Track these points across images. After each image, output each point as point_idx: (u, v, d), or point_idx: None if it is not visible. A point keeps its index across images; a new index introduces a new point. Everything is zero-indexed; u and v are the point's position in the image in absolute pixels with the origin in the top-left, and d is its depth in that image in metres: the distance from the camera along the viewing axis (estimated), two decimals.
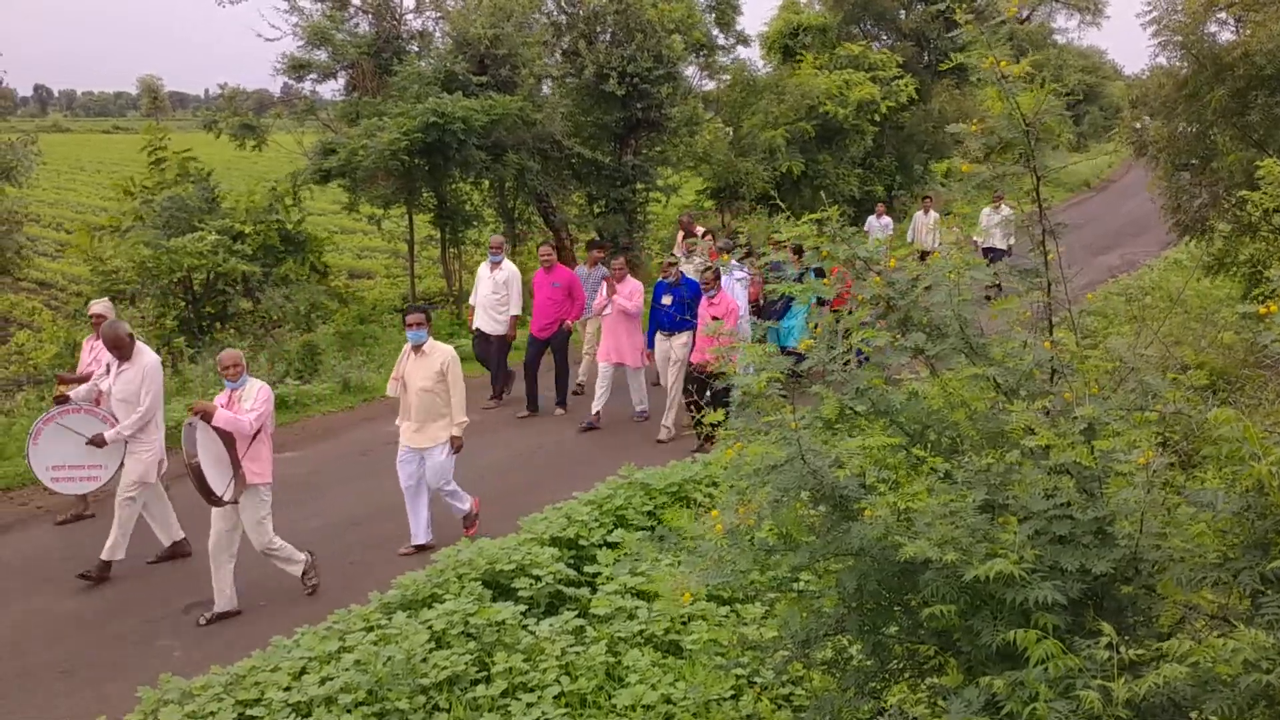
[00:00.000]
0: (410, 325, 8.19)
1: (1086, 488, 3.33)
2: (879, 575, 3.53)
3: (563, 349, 12.06)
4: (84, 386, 8.41)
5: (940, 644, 3.58)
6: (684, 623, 6.13)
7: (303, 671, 5.70)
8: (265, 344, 13.95)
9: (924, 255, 12.48)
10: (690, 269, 12.25)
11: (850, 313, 4.00)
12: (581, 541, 7.44)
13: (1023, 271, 3.85)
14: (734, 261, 11.16)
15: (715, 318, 9.96)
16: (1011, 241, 15.86)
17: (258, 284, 15.10)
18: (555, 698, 5.40)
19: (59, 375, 9.42)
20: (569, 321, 11.96)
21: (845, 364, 3.96)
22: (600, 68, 17.88)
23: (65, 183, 37.95)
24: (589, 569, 7.11)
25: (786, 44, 26.54)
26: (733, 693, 5.37)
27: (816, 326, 4.14)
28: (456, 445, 8.23)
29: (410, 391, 8.16)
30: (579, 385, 12.80)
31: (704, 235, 14.38)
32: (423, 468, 8.20)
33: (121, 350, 7.89)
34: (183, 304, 14.86)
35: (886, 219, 19.59)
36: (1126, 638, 2.97)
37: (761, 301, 12.23)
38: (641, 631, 6.03)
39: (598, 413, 11.51)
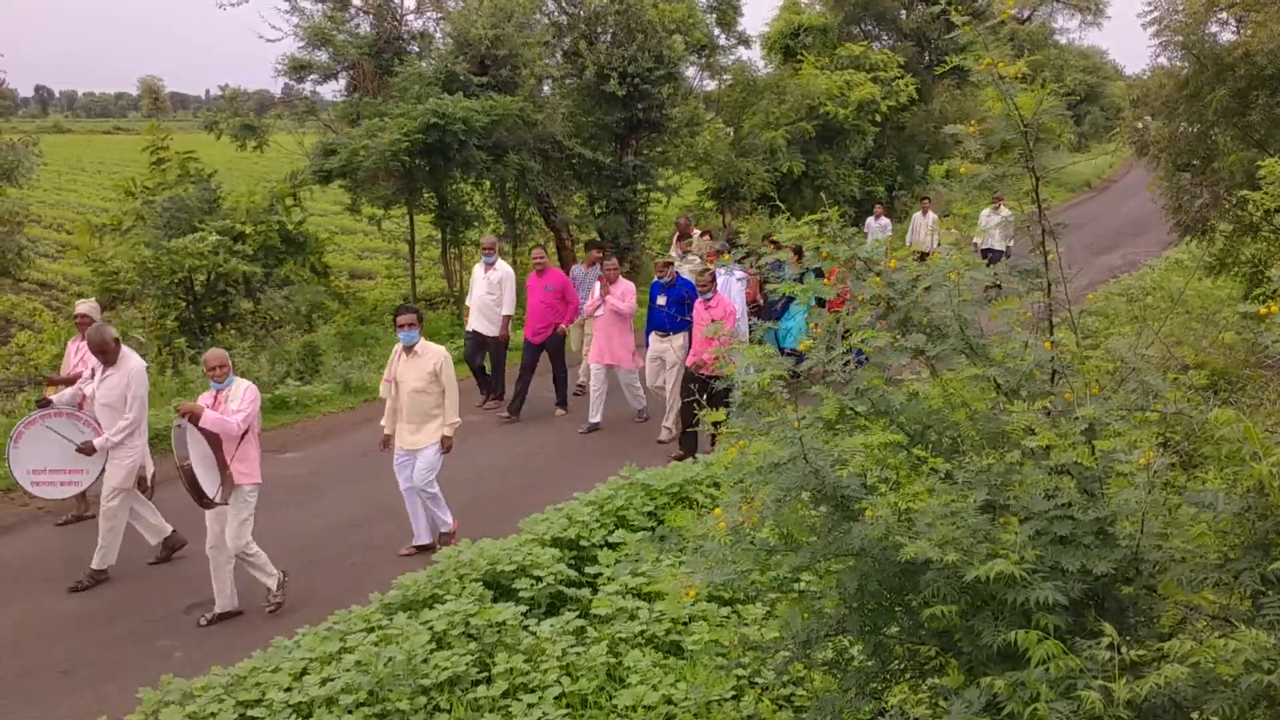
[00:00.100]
0: (402, 326, 8.12)
1: (1087, 488, 3.33)
2: (880, 576, 3.53)
3: (558, 352, 12.00)
4: (68, 390, 8.30)
5: (941, 644, 3.57)
6: (685, 623, 6.13)
7: (304, 672, 5.70)
8: (266, 344, 13.95)
9: (923, 256, 12.49)
10: (686, 270, 12.23)
11: (850, 314, 4.00)
12: (582, 542, 7.44)
13: (1023, 272, 3.84)
14: (734, 262, 11.08)
15: (714, 320, 9.91)
16: (1010, 243, 15.85)
17: (258, 284, 15.11)
18: (556, 698, 5.40)
19: (47, 378, 9.33)
20: (563, 325, 11.89)
21: (845, 365, 3.96)
22: (601, 68, 17.88)
23: (66, 183, 37.97)
24: (590, 570, 7.11)
25: (787, 44, 26.54)
26: (734, 693, 5.37)
27: (817, 327, 4.13)
28: (447, 445, 8.19)
29: (403, 393, 8.11)
30: (579, 386, 12.77)
31: (701, 235, 14.38)
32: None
33: (107, 355, 7.82)
34: (183, 304, 14.86)
35: (884, 220, 19.58)
36: (1127, 638, 2.97)
37: (761, 302, 12.22)
38: (642, 632, 6.03)
39: (596, 422, 11.49)
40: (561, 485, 9.12)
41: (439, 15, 18.60)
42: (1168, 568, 3.15)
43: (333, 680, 5.49)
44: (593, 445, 11.00)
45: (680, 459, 9.67)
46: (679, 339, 10.85)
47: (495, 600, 6.43)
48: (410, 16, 18.71)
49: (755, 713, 5.19)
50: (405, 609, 6.40)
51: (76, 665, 6.73)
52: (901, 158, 27.63)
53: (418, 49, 18.29)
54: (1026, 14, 30.58)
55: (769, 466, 3.60)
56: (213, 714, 5.36)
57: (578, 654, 5.74)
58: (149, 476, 8.48)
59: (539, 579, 6.66)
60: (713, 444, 9.76)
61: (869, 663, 3.80)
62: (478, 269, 12.23)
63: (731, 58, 22.33)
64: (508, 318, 11.93)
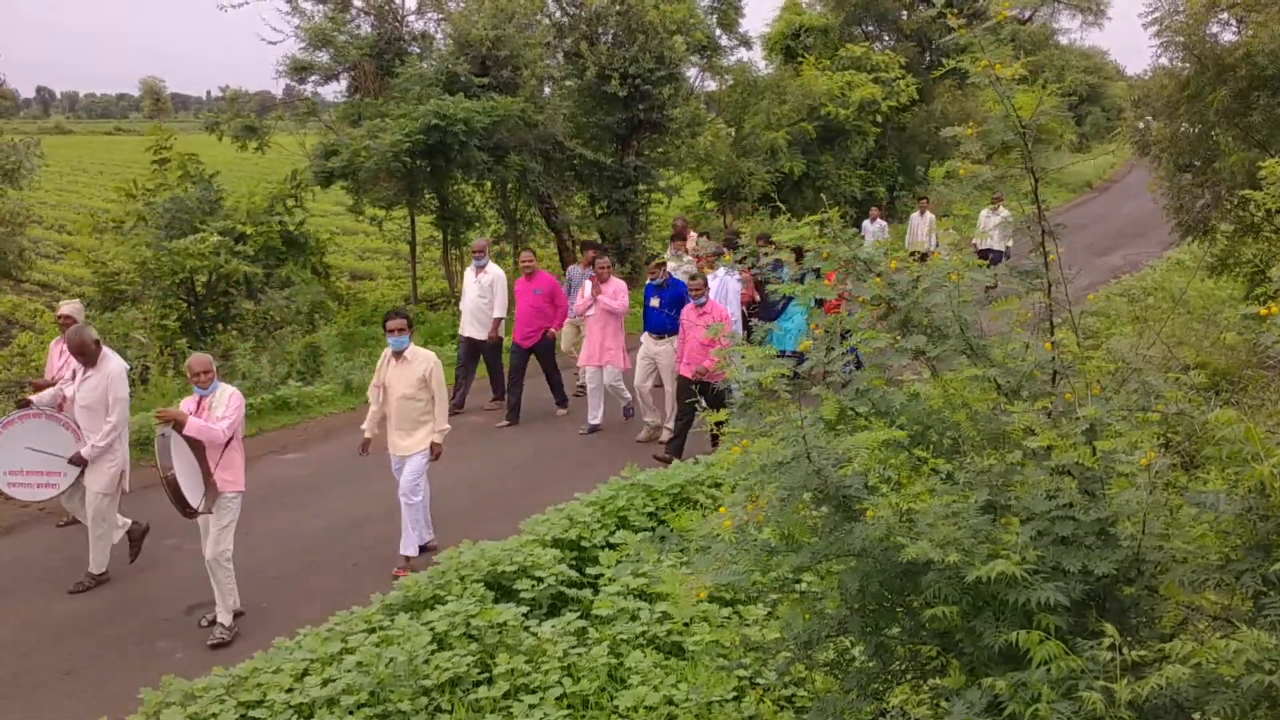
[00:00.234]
0: (391, 331, 7.99)
1: (1088, 489, 3.32)
2: (881, 576, 3.53)
3: (547, 355, 11.90)
4: (49, 391, 8.21)
5: (942, 645, 3.57)
6: (686, 624, 6.13)
7: (305, 673, 5.71)
8: (267, 345, 13.95)
9: (923, 257, 12.49)
10: (678, 270, 12.16)
11: (848, 315, 4.00)
12: (583, 543, 7.44)
13: (1023, 273, 3.84)
14: (735, 262, 11.01)
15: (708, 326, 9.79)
16: (1009, 243, 15.85)
17: (259, 285, 15.11)
18: (557, 699, 5.41)
19: (33, 382, 9.11)
20: (552, 330, 11.79)
21: (846, 365, 3.96)
22: (602, 69, 17.89)
23: (67, 184, 37.96)
24: (591, 570, 7.11)
25: (788, 45, 26.55)
26: (735, 694, 5.37)
27: (817, 327, 4.13)
28: (436, 453, 8.05)
29: (391, 399, 8.02)
30: (580, 386, 12.72)
31: (700, 237, 14.33)
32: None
33: (86, 356, 7.72)
34: (185, 305, 14.86)
35: (881, 222, 19.50)
36: (1129, 639, 2.96)
37: (757, 301, 12.15)
38: (644, 633, 6.03)
39: (597, 423, 11.47)
40: (562, 486, 9.12)
41: (440, 16, 18.62)
42: (1169, 568, 3.15)
43: (334, 681, 5.49)
44: (593, 446, 11.01)
45: (665, 462, 9.60)
46: (674, 341, 10.71)
47: (496, 601, 6.43)
48: (411, 17, 18.76)
49: (756, 713, 5.19)
50: (406, 610, 6.40)
51: (77, 666, 6.73)
52: (903, 158, 27.64)
53: (419, 50, 18.30)
54: (1027, 15, 30.59)
55: (773, 465, 3.60)
56: (214, 715, 5.36)
57: (579, 655, 5.74)
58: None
59: (540, 580, 6.66)
60: (714, 444, 9.75)
61: (870, 663, 3.79)
62: (469, 273, 12.14)
63: (732, 58, 22.36)
64: (498, 320, 11.82)
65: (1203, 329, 12.53)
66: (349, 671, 5.54)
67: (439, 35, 18.69)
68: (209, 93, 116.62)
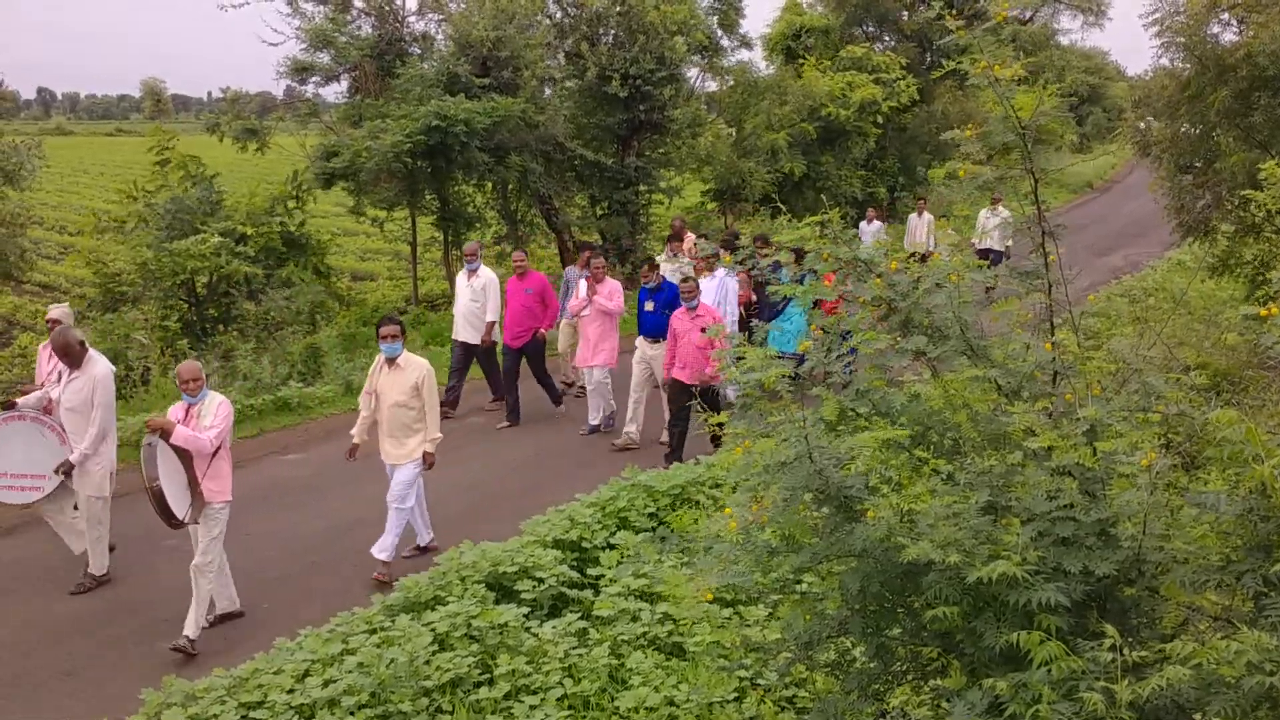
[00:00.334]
0: (384, 338, 7.84)
1: (1089, 489, 3.32)
2: (882, 577, 3.53)
3: (536, 356, 11.80)
4: (34, 394, 8.06)
5: (943, 646, 3.57)
6: (687, 625, 6.13)
7: (306, 674, 5.70)
8: (268, 346, 13.97)
9: (923, 258, 12.46)
10: (672, 271, 12.10)
11: (846, 316, 4.00)
12: (584, 544, 7.44)
13: (1023, 273, 3.84)
14: (736, 263, 10.95)
15: (704, 329, 9.72)
16: (1009, 243, 15.83)
17: (259, 286, 15.12)
18: (558, 700, 5.41)
19: (23, 387, 8.99)
20: (542, 330, 11.70)
21: (846, 367, 3.96)
22: (603, 70, 17.89)
23: (69, 185, 38.00)
24: (592, 571, 7.11)
25: (789, 46, 26.57)
26: (736, 695, 5.37)
27: (818, 328, 4.13)
28: (429, 462, 7.93)
29: (383, 406, 7.90)
30: (580, 387, 12.67)
31: (699, 238, 14.29)
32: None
33: (71, 358, 7.63)
34: (186, 306, 14.89)
35: (879, 223, 19.43)
36: (1130, 639, 2.97)
37: (754, 302, 12.10)
38: (644, 634, 6.03)
39: (597, 424, 11.46)
40: (562, 487, 9.12)
41: (440, 17, 18.64)
42: (1170, 569, 3.15)
43: (335, 682, 5.49)
44: (593, 447, 11.00)
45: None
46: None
47: (497, 602, 6.43)
48: (412, 18, 18.78)
49: (757, 714, 5.19)
50: (407, 610, 6.40)
51: (78, 666, 6.73)
52: (903, 159, 27.64)
53: (419, 51, 18.32)
54: (1028, 15, 30.59)
55: (776, 466, 3.60)
56: (215, 715, 5.36)
57: (580, 655, 5.74)
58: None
59: (541, 580, 6.66)
60: (715, 444, 9.73)
61: (871, 664, 3.79)
62: (460, 276, 12.08)
63: (733, 59, 22.36)
64: (491, 323, 11.73)
65: (1203, 330, 12.53)
66: (350, 672, 5.54)
67: (440, 36, 18.72)
68: (210, 94, 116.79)
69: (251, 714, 5.38)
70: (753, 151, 21.78)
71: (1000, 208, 16.14)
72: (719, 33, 21.41)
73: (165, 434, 6.73)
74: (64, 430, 7.74)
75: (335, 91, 18.71)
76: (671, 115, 18.93)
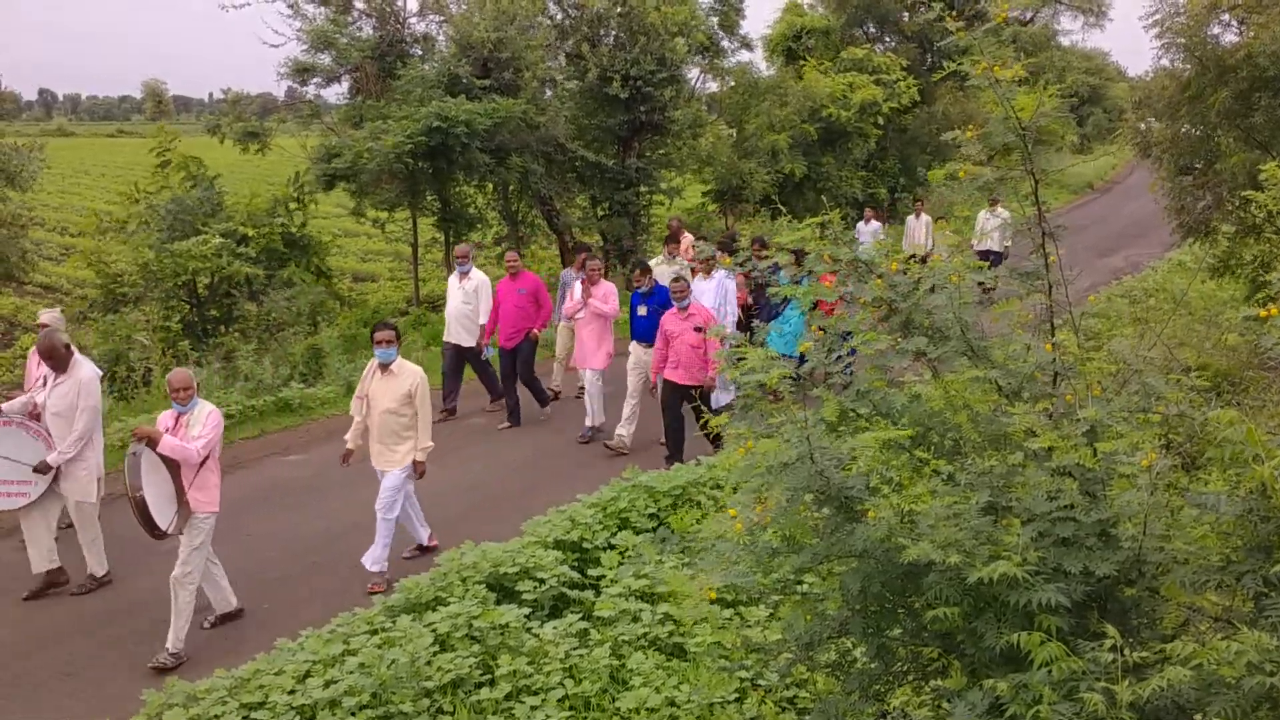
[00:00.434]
0: (379, 343, 7.72)
1: (1089, 490, 3.33)
2: (882, 577, 3.53)
3: (527, 358, 11.70)
4: (20, 399, 7.91)
5: (944, 646, 3.58)
6: (688, 625, 6.13)
7: (307, 674, 5.71)
8: (269, 347, 13.98)
9: (922, 260, 12.43)
10: (671, 272, 12.06)
11: (842, 317, 4.01)
12: (585, 544, 7.44)
13: (1024, 274, 3.84)
14: (736, 265, 10.83)
15: (698, 328, 9.64)
16: (1008, 244, 15.82)
17: (261, 287, 15.13)
18: (559, 700, 5.41)
19: (8, 394, 8.92)
20: (535, 330, 11.63)
21: (847, 368, 3.96)
22: (604, 71, 17.91)
23: (70, 186, 38.03)
24: (593, 572, 7.12)
25: (789, 47, 26.59)
26: (736, 695, 5.37)
27: (819, 329, 4.14)
28: (420, 471, 7.84)
29: (374, 412, 7.79)
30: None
31: (697, 240, 14.26)
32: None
33: (56, 361, 7.55)
34: (187, 307, 14.90)
35: (875, 224, 19.36)
36: (1130, 640, 2.97)
37: (750, 303, 12.08)
38: (645, 634, 6.03)
39: (597, 427, 11.44)
40: (563, 487, 9.13)
41: (441, 18, 18.65)
42: (1170, 569, 3.16)
43: (336, 682, 5.50)
44: (594, 448, 11.00)
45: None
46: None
47: (498, 602, 6.44)
48: (413, 19, 18.77)
49: (758, 715, 5.19)
50: (408, 611, 6.41)
51: (79, 667, 6.74)
52: (904, 160, 27.66)
53: (420, 52, 18.33)
54: (1029, 16, 30.59)
55: (778, 466, 3.60)
56: (216, 716, 5.37)
57: (581, 656, 5.75)
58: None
59: (542, 581, 6.66)
60: (715, 444, 9.72)
61: (872, 665, 3.80)
62: (452, 279, 12.00)
63: (733, 60, 22.37)
64: (485, 326, 11.66)
65: (1204, 330, 12.53)
66: (351, 673, 5.55)
67: (441, 37, 18.73)
68: (211, 95, 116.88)
69: (253, 714, 5.39)
70: (753, 152, 21.79)
71: (999, 209, 16.13)
72: (719, 34, 21.42)
73: (152, 443, 6.65)
74: (50, 435, 7.63)
75: (336, 93, 18.75)
76: (672, 116, 18.93)
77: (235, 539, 8.66)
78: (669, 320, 9.96)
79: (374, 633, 6.11)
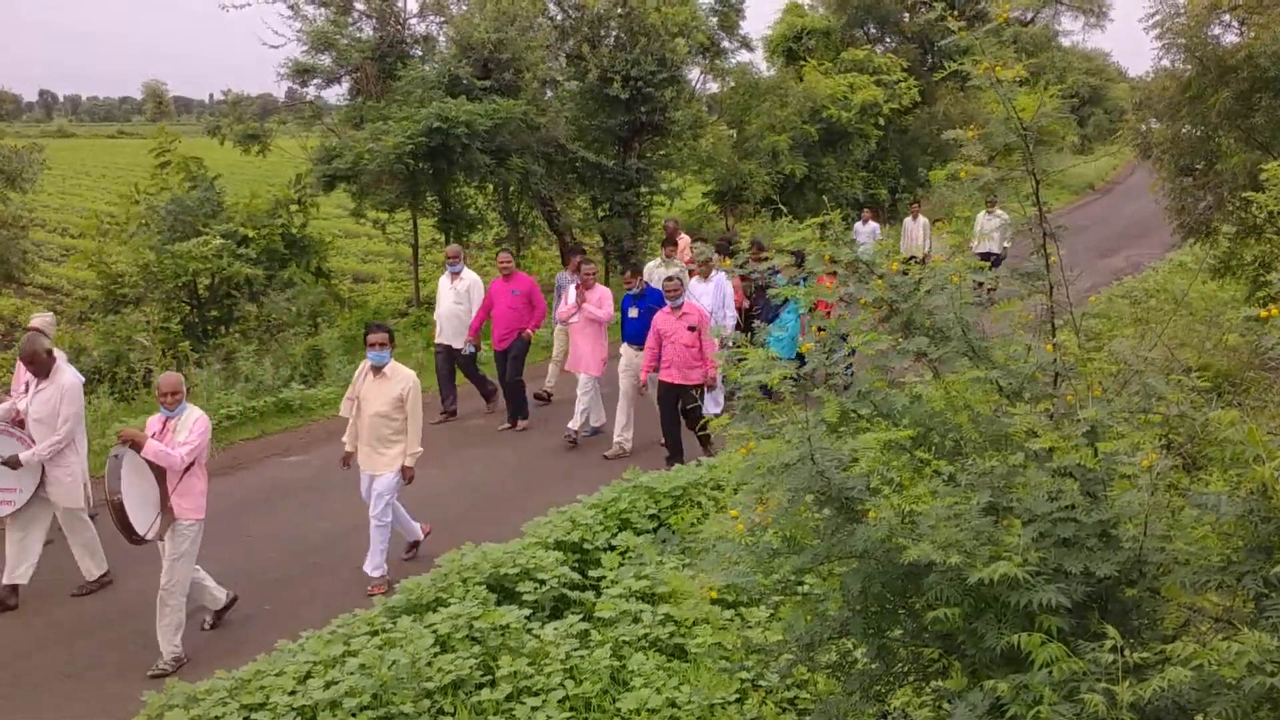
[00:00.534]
0: (372, 346, 7.67)
1: (1090, 490, 3.32)
2: (883, 578, 3.53)
3: (517, 360, 11.51)
4: (3, 405, 7.78)
5: (944, 647, 3.57)
6: (688, 626, 6.13)
7: (308, 675, 5.71)
8: (270, 348, 13.98)
9: (922, 261, 12.40)
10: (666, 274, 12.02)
11: (840, 318, 4.01)
12: (585, 545, 7.44)
13: (1025, 275, 3.84)
14: (736, 267, 10.75)
15: (691, 327, 9.64)
16: (1006, 245, 15.80)
17: (261, 288, 15.13)
18: (560, 701, 5.41)
19: (2, 399, 8.98)
20: (528, 331, 11.51)
21: (847, 369, 3.96)
22: (604, 71, 17.91)
23: (70, 188, 38.04)
24: (593, 572, 7.11)
25: (790, 47, 26.60)
26: (737, 696, 5.37)
27: (820, 330, 4.14)
28: (409, 476, 7.77)
29: (364, 414, 7.74)
30: (546, 393, 12.57)
31: (695, 242, 14.23)
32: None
33: (38, 365, 7.46)
34: (187, 308, 14.90)
35: (873, 225, 19.32)
36: (1131, 640, 2.97)
37: (747, 304, 12.06)
38: (646, 635, 6.03)
39: (598, 425, 11.43)
40: (564, 488, 9.12)
41: (442, 19, 18.65)
42: (1171, 570, 3.15)
43: (337, 683, 5.50)
44: (595, 449, 10.99)
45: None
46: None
47: (499, 603, 6.43)
48: (413, 20, 18.77)
49: (759, 715, 5.19)
50: (409, 612, 6.40)
51: (80, 669, 6.74)
52: (904, 160, 27.67)
53: (421, 53, 18.32)
54: (1029, 16, 30.61)
55: (779, 467, 3.60)
56: (217, 717, 5.37)
57: (581, 657, 5.74)
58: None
59: (542, 582, 6.66)
60: (705, 446, 9.70)
61: (872, 665, 3.79)
62: (443, 280, 11.94)
63: (733, 60, 22.36)
64: (472, 324, 11.60)
65: (1205, 331, 12.52)
66: (352, 674, 5.54)
67: (441, 38, 18.72)
68: (211, 95, 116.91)
69: (253, 715, 5.39)
70: (754, 153, 21.79)
71: (997, 210, 16.12)
72: (719, 34, 21.43)
73: (136, 446, 6.57)
74: (34, 442, 7.51)
75: (336, 93, 18.74)
76: (673, 117, 18.93)
77: (236, 540, 8.67)
78: (661, 319, 9.93)
79: (374, 634, 6.11)
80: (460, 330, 11.65)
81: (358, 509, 9.25)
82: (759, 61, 37.19)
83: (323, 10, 17.71)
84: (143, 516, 6.60)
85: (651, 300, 10.63)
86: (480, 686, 5.58)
